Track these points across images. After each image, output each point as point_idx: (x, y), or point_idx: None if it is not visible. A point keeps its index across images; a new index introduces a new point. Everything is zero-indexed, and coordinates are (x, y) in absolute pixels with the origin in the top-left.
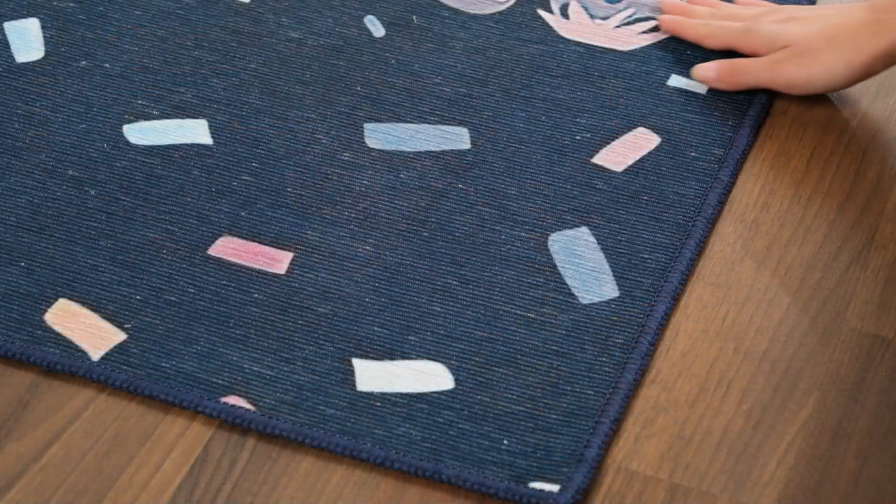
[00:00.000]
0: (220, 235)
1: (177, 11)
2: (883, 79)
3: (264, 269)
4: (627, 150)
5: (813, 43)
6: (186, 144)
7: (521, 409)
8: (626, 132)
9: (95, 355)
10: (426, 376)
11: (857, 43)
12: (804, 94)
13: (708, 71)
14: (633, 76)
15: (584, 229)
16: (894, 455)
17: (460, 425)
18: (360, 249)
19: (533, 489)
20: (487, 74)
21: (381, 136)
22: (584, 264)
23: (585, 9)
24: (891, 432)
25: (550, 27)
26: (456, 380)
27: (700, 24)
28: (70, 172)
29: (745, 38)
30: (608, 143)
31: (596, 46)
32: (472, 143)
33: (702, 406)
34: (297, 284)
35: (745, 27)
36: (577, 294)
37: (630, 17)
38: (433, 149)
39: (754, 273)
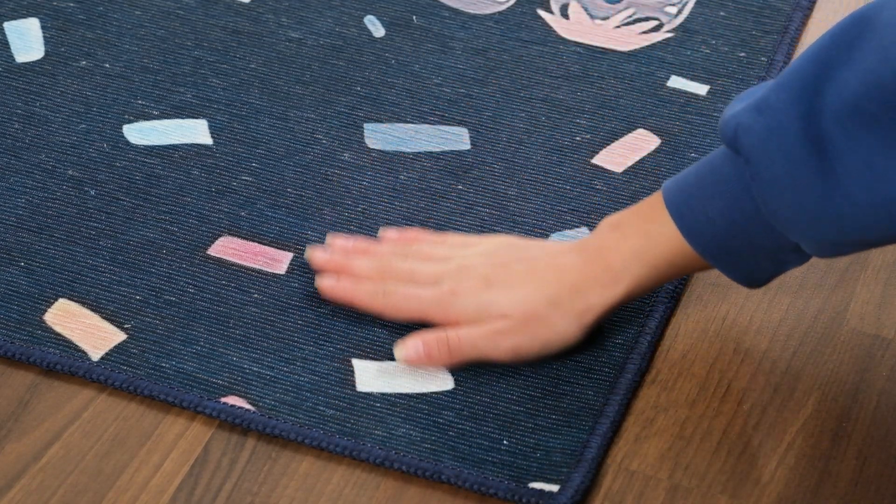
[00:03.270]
0: (220, 235)
1: (177, 11)
2: None
3: (264, 269)
4: (627, 150)
5: (535, 311)
6: (186, 144)
7: (521, 409)
8: (625, 133)
9: (95, 355)
10: (426, 376)
11: (586, 300)
12: (534, 360)
13: (414, 349)
14: (633, 77)
15: (584, 229)
16: (894, 455)
17: (460, 425)
18: None
19: (533, 489)
20: (487, 75)
21: (381, 136)
22: None
23: (585, 9)
24: (891, 432)
25: (550, 27)
26: (456, 380)
27: (376, 293)
28: (70, 172)
29: (441, 312)
30: (608, 144)
31: (596, 47)
32: (471, 144)
33: (702, 406)
34: (297, 284)
35: (437, 299)
36: None
37: (630, 17)
38: (433, 149)
39: None
